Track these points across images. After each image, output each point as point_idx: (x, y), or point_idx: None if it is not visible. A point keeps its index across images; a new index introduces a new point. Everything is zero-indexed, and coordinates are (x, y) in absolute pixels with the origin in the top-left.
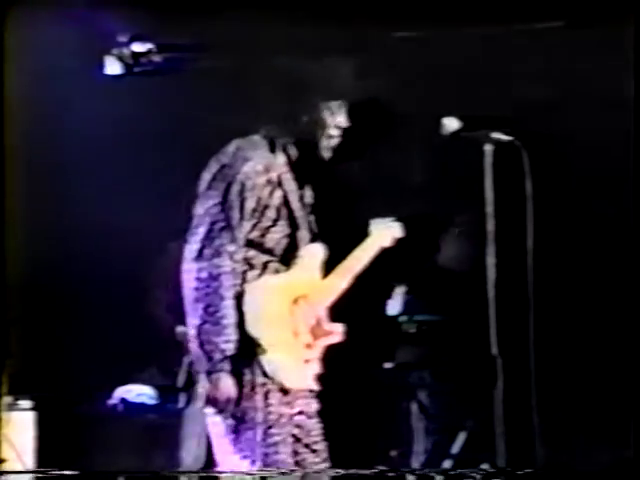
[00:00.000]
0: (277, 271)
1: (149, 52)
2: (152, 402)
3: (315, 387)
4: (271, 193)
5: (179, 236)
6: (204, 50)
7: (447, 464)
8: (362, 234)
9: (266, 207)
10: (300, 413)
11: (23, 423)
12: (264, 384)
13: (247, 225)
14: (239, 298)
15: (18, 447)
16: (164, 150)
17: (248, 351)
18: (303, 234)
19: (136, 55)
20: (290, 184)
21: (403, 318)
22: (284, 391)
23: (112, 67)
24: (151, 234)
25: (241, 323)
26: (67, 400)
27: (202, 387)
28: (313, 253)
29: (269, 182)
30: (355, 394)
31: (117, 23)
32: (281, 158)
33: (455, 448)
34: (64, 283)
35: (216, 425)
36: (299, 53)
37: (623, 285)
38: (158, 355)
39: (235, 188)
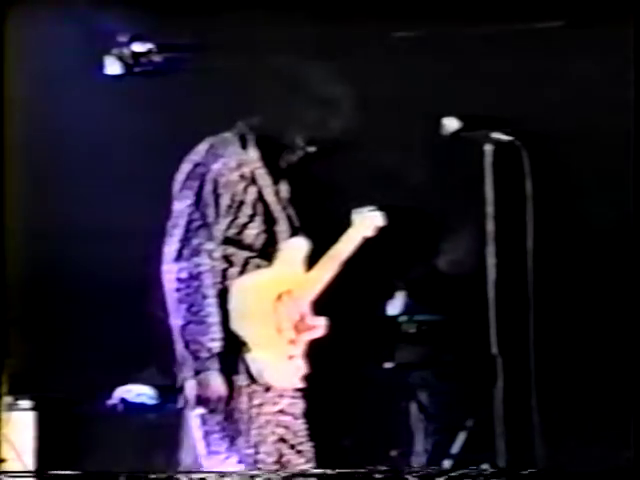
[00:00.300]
0: (258, 266)
1: (149, 52)
2: (152, 402)
3: (300, 385)
4: (245, 189)
5: None
6: (204, 50)
7: (447, 464)
8: (345, 225)
9: (242, 203)
10: (285, 413)
11: (23, 423)
12: (249, 382)
13: (224, 222)
14: (222, 296)
15: (18, 447)
16: (164, 150)
17: (234, 349)
18: (282, 228)
19: (136, 55)
20: (264, 179)
21: (403, 318)
22: (269, 389)
23: (112, 67)
24: (151, 234)
25: (225, 321)
26: (67, 400)
27: (190, 387)
28: (295, 247)
29: (242, 178)
30: (343, 393)
31: (117, 23)
32: (253, 154)
33: (455, 448)
34: (64, 283)
35: (202, 424)
36: (299, 53)
37: (623, 285)
38: (158, 355)
39: (208, 186)
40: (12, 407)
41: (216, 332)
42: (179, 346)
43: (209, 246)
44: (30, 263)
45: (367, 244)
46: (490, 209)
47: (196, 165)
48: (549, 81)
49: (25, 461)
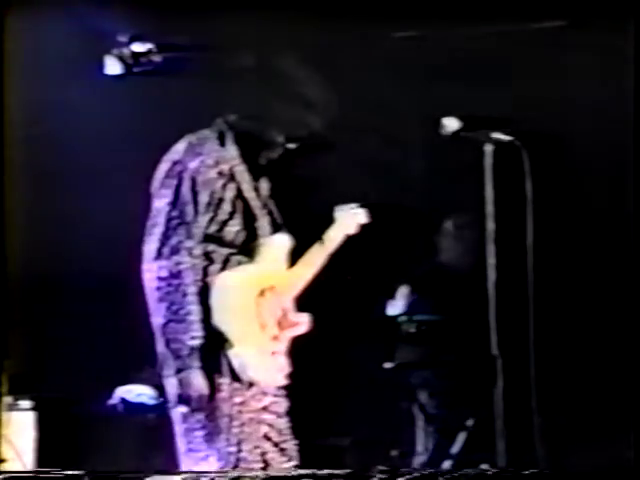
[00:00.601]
0: (240, 263)
1: (149, 52)
2: (152, 402)
3: (283, 381)
4: (224, 186)
5: None
6: (204, 50)
7: (447, 464)
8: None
9: (221, 200)
10: (269, 411)
11: (23, 423)
12: (231, 380)
13: (203, 220)
14: (203, 293)
15: (18, 447)
16: (164, 149)
17: (216, 346)
18: (263, 225)
19: (136, 55)
20: (243, 176)
21: (403, 318)
22: (252, 387)
23: (112, 67)
24: None
25: (207, 318)
26: (67, 400)
27: (171, 386)
28: (278, 244)
29: (221, 175)
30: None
31: (117, 23)
32: (232, 151)
33: (455, 448)
34: (64, 284)
35: (182, 422)
36: (299, 53)
37: (623, 285)
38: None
39: (186, 184)
40: (12, 407)
41: (197, 330)
42: (160, 345)
43: (189, 244)
44: (30, 263)
45: (360, 242)
46: (490, 209)
47: (174, 163)
48: (549, 81)
49: (25, 461)
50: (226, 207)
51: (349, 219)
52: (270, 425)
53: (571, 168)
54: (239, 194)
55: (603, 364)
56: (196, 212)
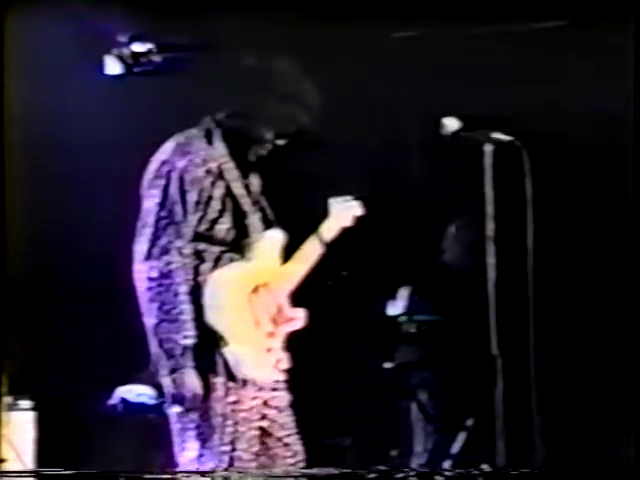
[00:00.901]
0: (231, 261)
1: (149, 52)
2: (152, 402)
3: (280, 377)
4: (213, 184)
5: None
6: (204, 50)
7: (447, 464)
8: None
9: (210, 199)
10: (269, 406)
11: (23, 423)
12: (226, 378)
13: (193, 219)
14: (194, 292)
15: (18, 447)
16: None
17: (209, 344)
18: (253, 222)
19: (136, 55)
20: (232, 173)
21: (403, 318)
22: (246, 385)
23: (112, 67)
24: None
25: (199, 317)
26: (67, 400)
27: (166, 386)
28: (271, 240)
29: (209, 173)
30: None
31: (117, 23)
32: (220, 149)
33: (455, 448)
34: (64, 284)
35: (176, 421)
36: (299, 53)
37: (623, 285)
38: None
39: (174, 183)
40: (12, 407)
41: (190, 329)
42: (153, 345)
43: (178, 243)
44: (31, 263)
45: (358, 238)
46: (490, 209)
47: (162, 163)
48: (549, 81)
49: (25, 461)
50: (215, 205)
51: (344, 211)
52: (272, 420)
53: (571, 168)
54: (228, 192)
55: (603, 364)
56: (185, 211)
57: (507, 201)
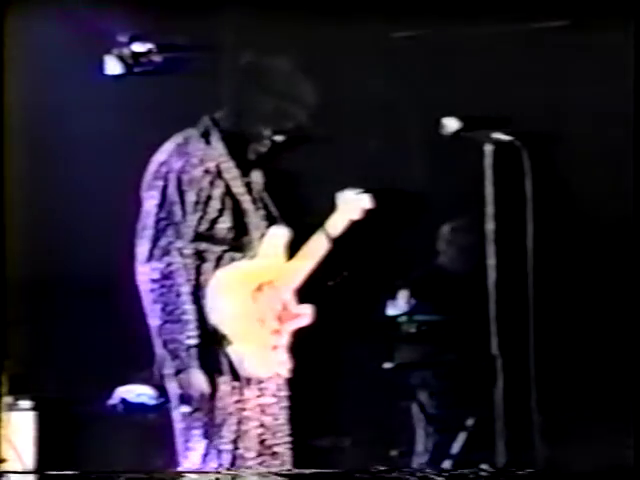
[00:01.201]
0: (233, 259)
1: (149, 52)
2: (152, 402)
3: (285, 375)
4: (212, 184)
5: None
6: (204, 50)
7: (447, 464)
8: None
9: (209, 198)
10: (266, 412)
11: (23, 423)
12: (231, 377)
13: (193, 219)
14: (197, 292)
15: (18, 447)
16: None
17: (213, 344)
18: (254, 220)
19: (136, 55)
20: (231, 172)
21: (403, 318)
22: (250, 383)
23: (112, 67)
24: None
25: (202, 316)
26: (67, 400)
27: (172, 387)
28: (274, 237)
29: (207, 173)
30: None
31: (117, 23)
32: (219, 148)
33: (455, 448)
34: (64, 284)
35: (181, 420)
36: (299, 53)
37: (623, 285)
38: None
39: (172, 184)
40: (12, 407)
41: (193, 329)
42: (157, 346)
43: (179, 244)
44: (31, 263)
45: (360, 236)
46: (490, 209)
47: (160, 164)
48: (549, 81)
49: (25, 461)
50: (215, 205)
51: (352, 204)
52: (265, 427)
53: (571, 168)
54: (228, 191)
55: (603, 364)
56: (184, 212)
57: (507, 201)
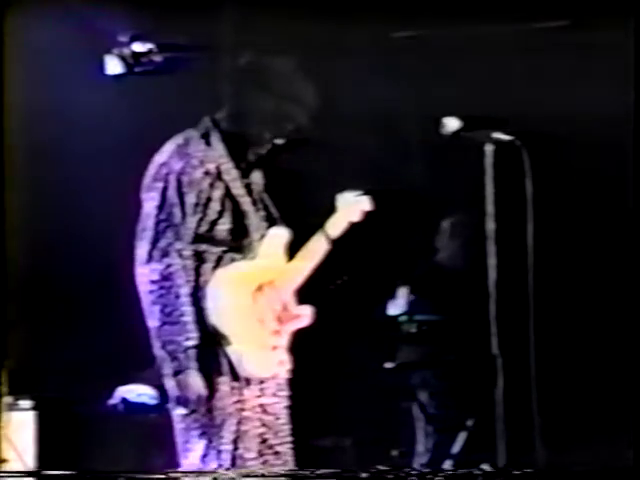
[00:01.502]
0: (233, 260)
1: (149, 52)
2: (152, 402)
3: (284, 375)
4: (212, 185)
5: None
6: (204, 50)
7: (447, 464)
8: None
9: (209, 200)
10: (267, 412)
11: (23, 423)
12: (231, 377)
13: (192, 220)
14: (196, 294)
15: (18, 447)
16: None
17: (212, 345)
18: (255, 221)
19: (136, 55)
20: (231, 174)
21: (403, 318)
22: (250, 384)
23: (112, 67)
24: None
25: (202, 318)
26: (67, 400)
27: (170, 388)
28: (275, 237)
29: (207, 175)
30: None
31: (117, 23)
32: (219, 149)
33: (455, 448)
34: (64, 283)
35: (180, 421)
36: (299, 53)
37: (623, 285)
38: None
39: (172, 186)
40: (12, 407)
41: (192, 331)
42: (156, 347)
43: (178, 246)
44: (31, 263)
45: (359, 237)
46: (490, 209)
47: (160, 166)
48: (550, 81)
49: (25, 461)
50: (215, 206)
51: (352, 206)
52: (267, 426)
53: (571, 168)
54: (227, 192)
55: (603, 364)
56: (184, 213)
57: (507, 201)
